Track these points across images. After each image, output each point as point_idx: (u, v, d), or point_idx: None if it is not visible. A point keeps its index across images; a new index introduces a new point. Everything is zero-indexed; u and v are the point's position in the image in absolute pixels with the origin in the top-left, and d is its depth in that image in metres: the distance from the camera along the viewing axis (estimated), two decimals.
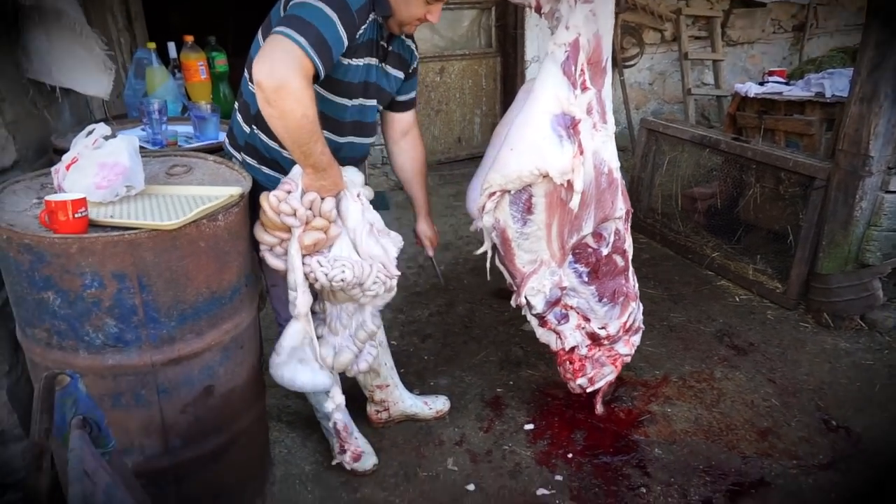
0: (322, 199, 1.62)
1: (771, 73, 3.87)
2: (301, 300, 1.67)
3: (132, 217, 1.47)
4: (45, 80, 2.01)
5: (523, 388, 2.53)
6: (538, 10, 1.93)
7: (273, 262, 1.68)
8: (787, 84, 3.64)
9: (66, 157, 1.51)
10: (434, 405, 2.36)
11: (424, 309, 3.16)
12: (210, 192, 1.61)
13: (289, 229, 1.61)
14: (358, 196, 1.72)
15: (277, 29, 1.42)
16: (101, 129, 1.58)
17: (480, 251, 2.09)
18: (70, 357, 1.46)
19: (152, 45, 2.42)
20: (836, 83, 3.20)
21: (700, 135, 3.57)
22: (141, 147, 1.92)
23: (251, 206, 1.67)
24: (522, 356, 2.73)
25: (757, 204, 3.38)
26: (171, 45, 2.62)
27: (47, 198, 1.36)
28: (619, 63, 5.22)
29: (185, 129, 2.24)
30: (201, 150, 1.99)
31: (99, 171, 1.49)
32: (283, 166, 1.73)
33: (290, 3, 1.51)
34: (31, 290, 1.41)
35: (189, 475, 1.66)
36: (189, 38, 2.49)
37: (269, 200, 1.58)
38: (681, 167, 3.90)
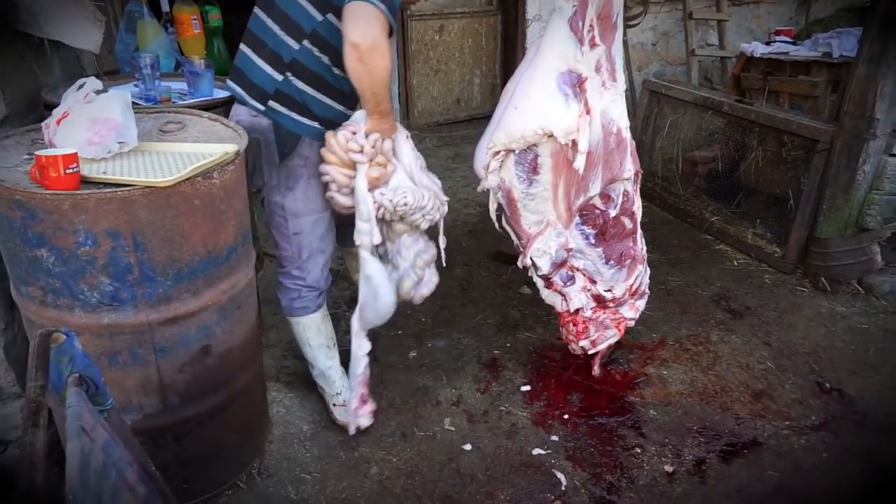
0: (382, 139, 1.78)
1: (778, 33, 3.79)
2: (375, 231, 1.80)
3: (125, 174, 1.44)
4: (33, 32, 1.95)
5: (520, 350, 2.54)
6: None
7: (342, 200, 1.83)
8: (794, 44, 3.56)
9: (57, 112, 1.47)
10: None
11: None
12: (205, 149, 1.58)
13: (353, 166, 1.76)
14: (407, 138, 1.89)
15: None
16: (93, 83, 1.54)
17: (480, 188, 2.04)
18: (66, 315, 1.45)
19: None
20: (844, 43, 3.14)
21: (703, 97, 3.51)
22: (134, 103, 1.87)
23: (252, 161, 1.82)
24: (520, 318, 2.74)
25: (758, 167, 3.35)
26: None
27: (38, 153, 1.33)
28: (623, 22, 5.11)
29: (179, 85, 2.19)
30: (196, 106, 1.95)
31: (91, 126, 1.45)
32: (313, 111, 1.84)
33: None
34: (23, 247, 1.40)
35: (188, 434, 1.67)
36: None
37: (336, 138, 1.74)
38: (682, 130, 3.85)
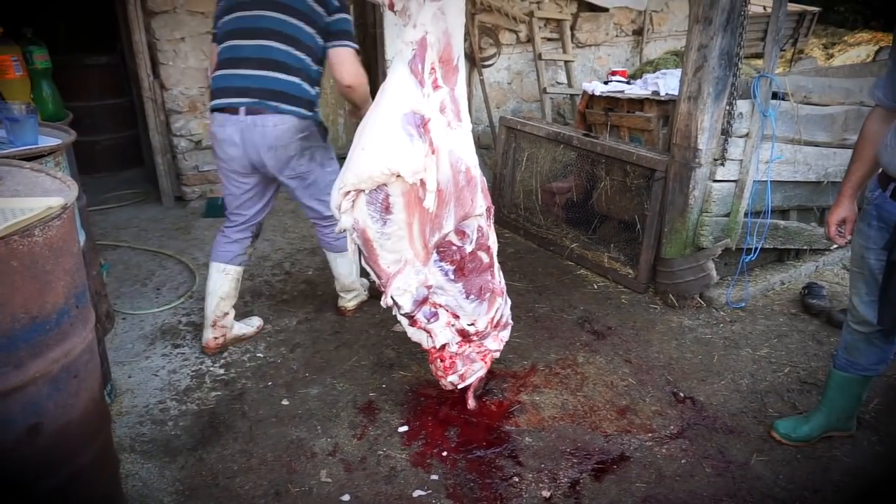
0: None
1: (613, 73, 4.14)
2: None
3: None
4: None
5: (396, 390, 2.51)
6: (391, 7, 1.90)
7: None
8: (628, 83, 3.91)
9: None
10: (252, 323, 2.89)
11: (292, 317, 3.03)
12: (24, 203, 1.41)
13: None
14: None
15: (346, 43, 2.39)
16: None
17: (337, 229, 2.03)
18: None
19: None
20: (668, 82, 3.49)
21: (555, 132, 3.75)
22: None
23: (303, 152, 2.51)
24: (395, 357, 2.71)
25: (608, 196, 3.61)
26: None
27: None
28: (478, 63, 5.36)
29: None
30: (16, 156, 1.76)
31: None
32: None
33: (337, 18, 2.40)
34: None
35: None
36: None
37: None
38: (539, 163, 4.07)
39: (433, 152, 1.79)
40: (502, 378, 2.58)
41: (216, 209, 4.25)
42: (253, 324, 2.89)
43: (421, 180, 1.80)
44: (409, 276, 2.01)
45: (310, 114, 2.44)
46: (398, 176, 1.78)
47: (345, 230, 1.97)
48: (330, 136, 2.67)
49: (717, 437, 2.28)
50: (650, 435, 2.29)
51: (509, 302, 2.41)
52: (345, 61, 2.37)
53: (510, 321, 2.43)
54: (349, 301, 3.04)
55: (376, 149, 1.76)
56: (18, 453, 1.41)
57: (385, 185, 1.81)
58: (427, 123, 1.77)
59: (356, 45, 2.40)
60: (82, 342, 1.55)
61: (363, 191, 1.83)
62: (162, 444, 2.20)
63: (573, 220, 3.89)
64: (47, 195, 1.48)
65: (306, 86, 2.41)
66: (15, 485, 1.42)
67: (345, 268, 2.91)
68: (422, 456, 2.16)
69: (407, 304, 2.06)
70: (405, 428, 2.29)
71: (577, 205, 3.88)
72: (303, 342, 2.83)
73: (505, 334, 2.39)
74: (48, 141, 1.95)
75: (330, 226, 2.73)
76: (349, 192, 1.84)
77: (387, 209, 1.85)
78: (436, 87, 1.80)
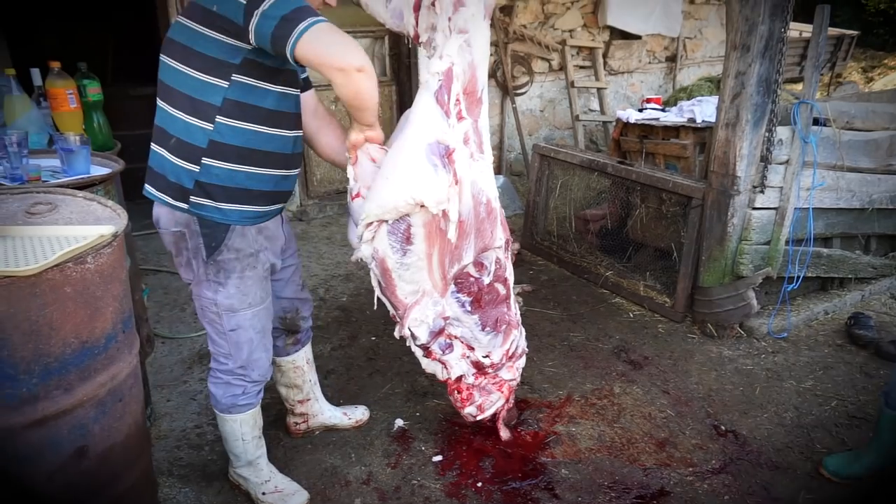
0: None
1: (648, 101, 4.14)
2: None
3: None
4: None
5: (430, 418, 2.49)
6: (416, 39, 1.93)
7: None
8: (663, 110, 3.90)
9: None
10: (353, 415, 2.45)
11: (326, 343, 3.05)
12: (78, 231, 1.47)
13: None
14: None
15: (300, 28, 1.48)
16: None
17: (353, 258, 1.99)
18: None
19: (11, 72, 2.21)
20: (704, 110, 3.47)
21: (588, 159, 3.74)
22: None
23: (178, 255, 1.76)
24: (428, 386, 2.70)
25: (643, 223, 3.58)
26: (35, 72, 2.41)
27: None
28: (510, 91, 5.41)
29: (52, 162, 2.06)
30: (70, 185, 1.83)
31: None
32: (250, 189, 1.75)
33: (270, 4, 1.49)
34: None
35: None
36: (55, 65, 2.31)
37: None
38: (573, 190, 4.06)
39: (456, 183, 1.80)
40: (537, 408, 2.55)
41: None
42: (354, 416, 2.43)
43: (444, 211, 1.81)
44: (426, 308, 2.00)
45: (182, 205, 1.69)
46: (422, 206, 1.79)
47: (360, 259, 1.95)
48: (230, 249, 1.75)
49: (761, 473, 2.20)
50: (691, 469, 2.22)
51: (524, 332, 2.38)
52: (316, 44, 1.50)
53: (526, 349, 2.41)
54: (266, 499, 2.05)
55: (401, 178, 1.76)
56: (65, 475, 1.44)
57: (408, 215, 1.82)
58: (452, 154, 1.79)
59: (317, 18, 1.51)
60: (128, 366, 1.59)
61: (385, 221, 1.83)
62: (199, 468, 2.22)
63: (608, 248, 3.85)
64: (99, 223, 1.53)
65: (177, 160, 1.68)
66: None
67: (232, 432, 1.99)
68: (456, 486, 2.13)
69: (423, 336, 2.05)
70: (439, 457, 2.27)
71: (612, 232, 3.84)
72: (336, 369, 2.85)
73: (520, 363, 2.37)
74: (99, 170, 2.02)
75: (227, 374, 1.90)
76: (371, 222, 1.84)
77: (408, 239, 1.86)
78: (460, 118, 1.82)
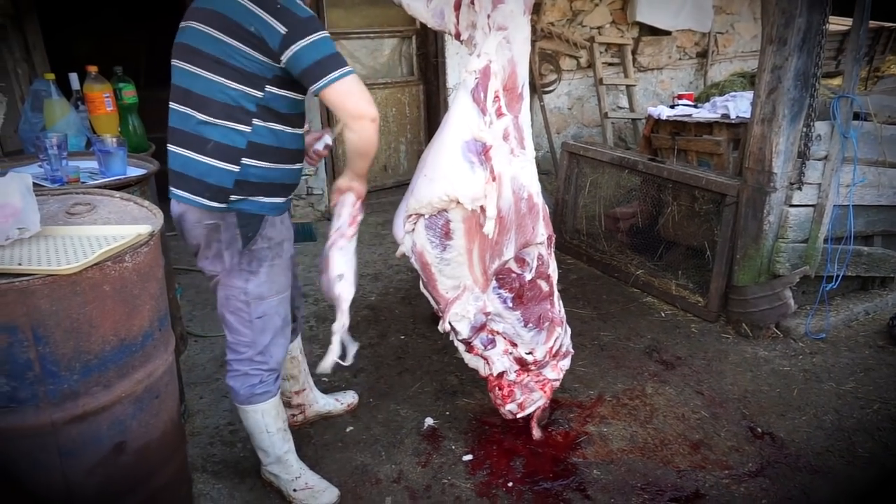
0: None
1: (680, 97, 4.06)
2: None
3: (25, 262, 1.33)
4: None
5: (460, 417, 2.48)
6: (457, 37, 1.93)
7: None
8: (695, 106, 3.83)
9: None
10: (344, 400, 2.53)
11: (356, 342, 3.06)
12: (116, 231, 1.50)
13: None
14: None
15: (334, 76, 1.64)
16: None
17: (398, 253, 2.05)
18: None
19: (51, 76, 2.27)
20: (739, 105, 3.39)
21: (618, 157, 3.69)
22: (38, 185, 1.77)
23: (209, 247, 1.80)
24: (458, 385, 2.69)
25: (675, 221, 3.52)
26: (74, 76, 2.47)
27: None
28: (538, 89, 5.37)
29: (90, 164, 2.10)
30: (108, 186, 1.87)
31: None
32: (283, 183, 1.85)
33: (308, 43, 1.62)
34: None
35: None
36: (93, 69, 2.37)
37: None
38: (602, 188, 4.02)
39: (494, 179, 1.80)
40: (568, 408, 2.52)
41: (301, 234, 4.34)
42: (345, 400, 2.52)
43: (481, 207, 1.81)
44: (467, 302, 2.00)
45: (219, 205, 1.74)
46: (458, 202, 1.79)
47: (403, 255, 2.00)
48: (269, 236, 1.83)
49: (800, 477, 2.15)
50: (727, 472, 2.17)
51: (569, 331, 2.37)
52: (345, 94, 1.66)
53: (571, 350, 2.38)
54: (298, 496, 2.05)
55: (437, 176, 1.79)
56: (104, 470, 1.47)
57: (446, 210, 1.82)
58: (488, 151, 1.79)
59: (348, 69, 1.65)
60: (164, 364, 1.61)
61: (423, 216, 1.85)
62: (232, 465, 2.24)
63: (638, 246, 3.80)
64: (136, 223, 1.56)
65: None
66: (98, 502, 1.47)
67: (256, 425, 2.00)
68: (487, 486, 2.12)
69: (464, 330, 2.05)
70: (470, 457, 2.26)
71: (643, 230, 3.79)
72: (366, 367, 2.86)
73: (565, 363, 2.34)
74: (135, 171, 2.06)
75: (245, 363, 1.95)
76: (411, 215, 1.87)
77: (447, 235, 1.87)
78: (499, 114, 1.81)
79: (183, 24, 1.72)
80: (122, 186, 1.88)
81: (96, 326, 1.37)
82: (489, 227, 1.87)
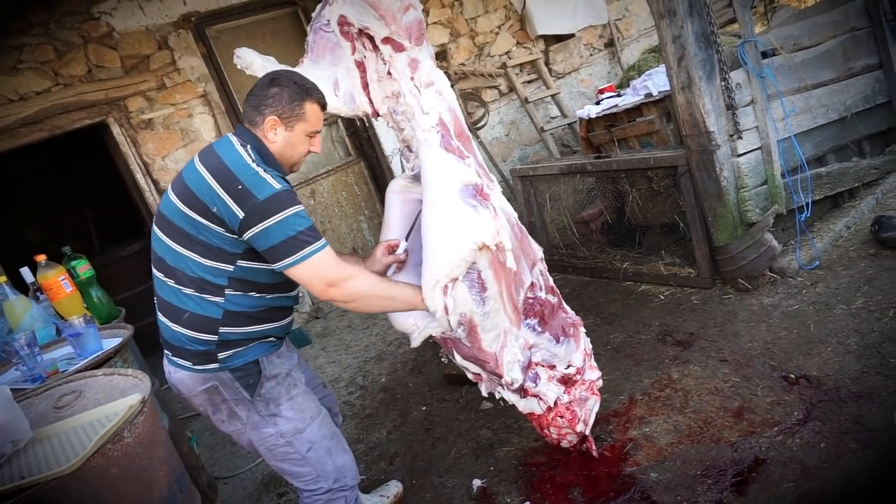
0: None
1: (602, 91, 4.18)
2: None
3: (26, 474, 1.30)
4: None
5: (505, 468, 2.43)
6: (375, 115, 1.99)
7: None
8: (618, 95, 3.94)
9: None
10: (388, 492, 2.42)
11: (381, 429, 3.01)
12: (107, 410, 1.47)
13: None
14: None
15: (296, 258, 1.60)
16: None
17: (416, 343, 1.91)
18: None
19: (3, 279, 2.27)
20: (657, 81, 3.51)
21: (566, 165, 3.76)
22: (19, 389, 1.75)
23: (219, 409, 1.76)
24: (492, 436, 2.64)
25: (640, 206, 3.57)
26: (26, 270, 2.48)
27: None
28: (471, 128, 5.49)
29: (65, 350, 2.09)
30: (87, 367, 1.85)
31: None
32: (267, 332, 1.79)
33: (264, 228, 1.58)
34: None
35: None
36: (41, 258, 2.37)
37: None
38: (562, 199, 4.08)
39: (496, 215, 1.84)
40: (605, 420, 2.48)
41: (296, 342, 4.29)
42: (389, 493, 2.42)
43: (498, 243, 1.84)
44: (512, 346, 2.01)
45: (209, 366, 1.72)
46: (484, 246, 1.80)
47: (449, 333, 1.89)
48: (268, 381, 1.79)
49: (847, 408, 2.12)
50: (776, 428, 2.15)
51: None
52: (312, 278, 1.63)
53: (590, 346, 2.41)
54: None
55: (452, 232, 1.78)
56: None
57: (474, 262, 1.82)
58: (482, 189, 1.84)
59: (315, 245, 1.61)
60: None
61: (457, 279, 1.81)
62: None
63: (615, 241, 3.84)
64: (125, 394, 1.54)
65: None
66: None
67: None
68: None
69: (518, 375, 2.04)
70: (528, 503, 2.20)
71: (614, 225, 3.83)
72: (399, 451, 2.80)
73: (592, 360, 2.36)
74: (111, 342, 2.04)
75: (326, 494, 1.89)
76: (446, 284, 1.80)
77: (483, 286, 1.86)
78: (463, 157, 1.87)
79: (168, 188, 1.72)
80: (103, 362, 1.86)
81: None
82: (511, 260, 1.90)
